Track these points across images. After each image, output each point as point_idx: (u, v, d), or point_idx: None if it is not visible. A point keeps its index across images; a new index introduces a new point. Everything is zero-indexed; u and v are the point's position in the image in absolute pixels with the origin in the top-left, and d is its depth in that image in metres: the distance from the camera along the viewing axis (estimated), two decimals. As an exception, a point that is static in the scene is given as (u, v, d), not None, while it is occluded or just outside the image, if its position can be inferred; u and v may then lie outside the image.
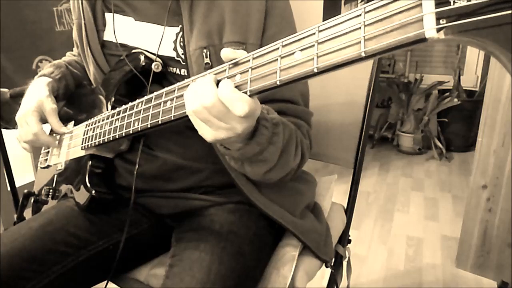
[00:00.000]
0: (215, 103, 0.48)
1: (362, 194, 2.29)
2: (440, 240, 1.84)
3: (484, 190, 1.43)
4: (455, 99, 2.66)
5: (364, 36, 0.35)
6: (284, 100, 0.72)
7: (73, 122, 0.90)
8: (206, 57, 0.69)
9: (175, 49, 0.72)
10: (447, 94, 2.79)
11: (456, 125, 2.86)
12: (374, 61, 0.93)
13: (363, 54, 0.35)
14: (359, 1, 2.80)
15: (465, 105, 2.74)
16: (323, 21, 0.39)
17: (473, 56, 2.94)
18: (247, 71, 0.46)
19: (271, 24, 0.70)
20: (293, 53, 0.41)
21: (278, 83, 0.42)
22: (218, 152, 0.69)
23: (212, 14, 0.69)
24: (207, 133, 0.51)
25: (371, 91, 0.94)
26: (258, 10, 0.69)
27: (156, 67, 0.71)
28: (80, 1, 0.79)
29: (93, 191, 0.74)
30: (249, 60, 0.46)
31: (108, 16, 0.79)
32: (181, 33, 0.71)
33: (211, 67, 0.68)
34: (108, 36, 0.79)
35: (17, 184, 1.33)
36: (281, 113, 0.69)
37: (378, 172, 2.64)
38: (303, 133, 0.72)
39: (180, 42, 0.71)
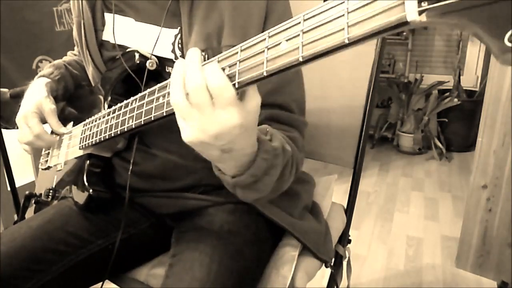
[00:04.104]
0: (201, 87, 0.44)
1: (362, 194, 2.29)
2: (440, 240, 1.84)
3: (484, 190, 1.43)
4: (455, 99, 2.66)
5: (347, 23, 0.35)
6: (276, 105, 0.69)
7: (72, 122, 0.90)
8: (205, 59, 0.68)
9: (173, 51, 0.72)
10: (447, 94, 2.80)
11: (456, 125, 2.86)
12: (374, 61, 0.93)
13: (346, 41, 0.35)
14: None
15: (465, 105, 2.74)
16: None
17: (473, 56, 2.94)
18: (235, 63, 0.45)
19: (270, 27, 0.69)
20: (279, 43, 0.41)
21: (265, 73, 0.42)
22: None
23: (212, 17, 0.69)
24: (184, 130, 0.47)
25: (371, 91, 0.94)
26: (258, 13, 0.68)
27: (150, 64, 0.71)
28: (80, 1, 0.79)
29: (91, 190, 0.74)
30: (237, 53, 0.45)
31: (108, 16, 0.78)
32: (179, 35, 0.71)
33: None
34: (106, 36, 0.79)
35: (17, 184, 1.33)
36: (274, 121, 0.67)
37: (378, 172, 2.64)
38: (298, 147, 0.68)
39: (178, 44, 0.71)
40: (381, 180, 2.52)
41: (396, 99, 2.99)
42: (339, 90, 1.02)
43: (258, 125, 0.54)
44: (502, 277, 1.46)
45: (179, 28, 0.71)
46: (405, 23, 0.31)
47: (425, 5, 0.29)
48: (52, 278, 0.69)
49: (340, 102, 1.02)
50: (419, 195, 2.30)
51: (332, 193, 0.98)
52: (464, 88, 2.84)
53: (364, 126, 0.94)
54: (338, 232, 0.94)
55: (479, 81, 2.91)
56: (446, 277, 1.58)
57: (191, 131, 0.46)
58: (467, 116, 2.80)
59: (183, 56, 0.70)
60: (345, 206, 1.00)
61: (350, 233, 0.98)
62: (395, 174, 2.61)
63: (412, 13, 0.30)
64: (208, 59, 0.67)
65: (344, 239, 0.96)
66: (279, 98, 0.69)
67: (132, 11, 0.76)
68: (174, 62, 0.72)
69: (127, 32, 0.76)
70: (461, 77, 2.83)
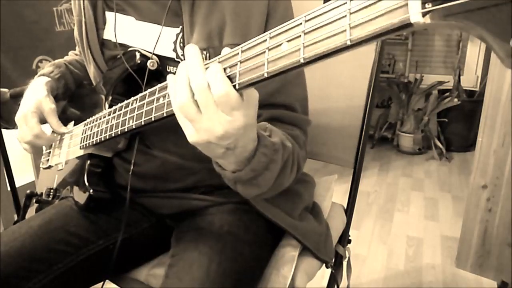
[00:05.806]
0: (205, 87, 0.45)
1: (362, 194, 2.29)
2: (440, 240, 1.84)
3: (484, 190, 1.43)
4: (455, 99, 2.66)
5: (349, 24, 0.34)
6: (280, 105, 0.70)
7: (73, 122, 0.90)
8: (206, 58, 0.68)
9: (174, 49, 0.72)
10: (447, 94, 2.80)
11: (456, 125, 2.86)
12: (374, 61, 0.93)
13: (348, 43, 0.34)
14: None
15: (465, 105, 2.74)
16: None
17: (473, 56, 2.94)
18: (236, 64, 0.45)
19: (272, 27, 0.69)
20: (280, 44, 0.41)
21: (265, 75, 0.42)
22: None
23: (213, 16, 0.69)
24: (190, 132, 0.49)
25: (371, 91, 0.94)
26: (259, 12, 0.68)
27: (151, 64, 0.71)
28: (81, 0, 0.79)
29: (91, 190, 0.74)
30: (238, 54, 0.45)
31: (109, 15, 0.78)
32: (181, 34, 0.71)
33: None
34: (107, 35, 0.79)
35: (17, 184, 1.33)
36: (277, 120, 0.67)
37: (378, 172, 2.64)
38: (299, 144, 0.69)
39: (180, 43, 0.71)
40: (381, 180, 2.52)
41: (396, 99, 2.99)
42: (339, 90, 1.02)
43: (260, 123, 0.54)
44: (502, 277, 1.46)
45: (180, 27, 0.71)
46: (409, 25, 0.31)
47: (429, 7, 0.29)
48: (52, 278, 0.69)
49: (340, 102, 1.02)
50: (419, 195, 2.30)
51: (332, 193, 0.98)
52: (464, 88, 2.84)
53: (364, 126, 0.95)
54: (338, 232, 0.94)
55: (479, 81, 2.91)
56: (446, 277, 1.58)
57: (197, 132, 0.48)
58: (467, 116, 2.80)
59: (184, 55, 0.70)
60: (345, 206, 1.00)
61: (350, 233, 0.98)
62: (395, 174, 2.61)
63: (415, 15, 0.30)
64: (209, 58, 0.68)
65: (344, 239, 0.96)
66: (282, 98, 0.70)
67: (132, 10, 0.76)
68: (175, 61, 0.72)
69: (128, 31, 0.76)
70: (461, 77, 2.83)
